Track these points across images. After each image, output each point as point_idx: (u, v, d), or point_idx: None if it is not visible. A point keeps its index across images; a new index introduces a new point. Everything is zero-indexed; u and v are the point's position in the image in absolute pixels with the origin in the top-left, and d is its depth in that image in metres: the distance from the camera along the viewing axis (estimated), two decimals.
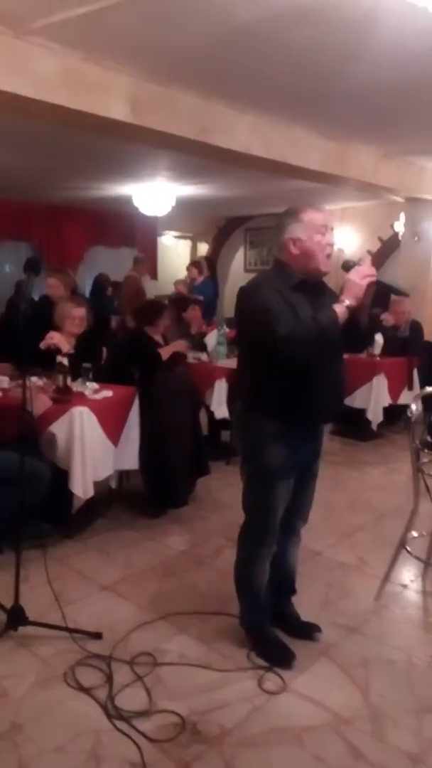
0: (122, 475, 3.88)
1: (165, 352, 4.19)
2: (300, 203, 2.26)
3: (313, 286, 2.21)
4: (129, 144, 4.29)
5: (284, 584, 2.56)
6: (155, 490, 3.80)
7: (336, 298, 2.14)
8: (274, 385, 2.17)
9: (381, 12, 2.57)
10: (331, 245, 2.20)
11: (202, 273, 8.53)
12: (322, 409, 2.27)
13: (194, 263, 9.01)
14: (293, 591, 2.62)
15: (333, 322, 2.03)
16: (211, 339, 5.25)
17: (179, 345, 4.37)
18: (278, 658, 2.38)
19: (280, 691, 2.24)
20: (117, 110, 3.29)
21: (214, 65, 3.26)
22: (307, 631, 2.56)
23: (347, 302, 2.06)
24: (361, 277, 2.08)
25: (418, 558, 2.98)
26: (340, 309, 2.05)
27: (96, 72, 3.18)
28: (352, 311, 2.08)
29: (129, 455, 3.60)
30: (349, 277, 2.09)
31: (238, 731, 2.04)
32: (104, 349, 4.39)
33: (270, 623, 2.49)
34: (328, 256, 2.19)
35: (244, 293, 2.20)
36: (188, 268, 8.83)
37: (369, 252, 9.23)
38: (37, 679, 2.25)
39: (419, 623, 2.79)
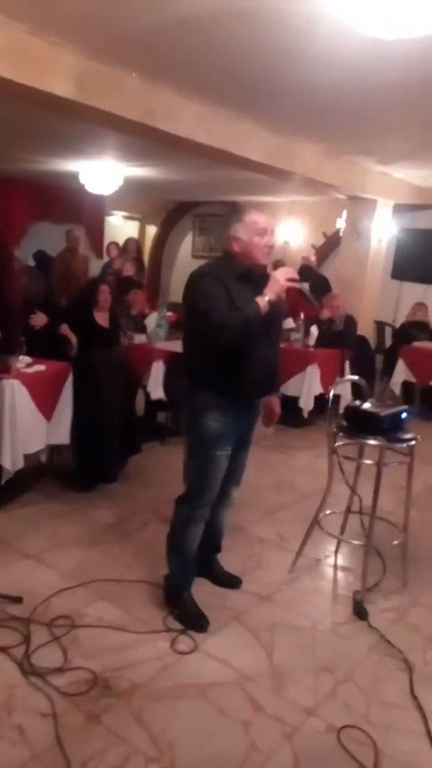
0: (53, 449, 3.92)
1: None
2: (249, 191, 2.48)
3: (257, 276, 2.41)
4: (76, 121, 4.29)
5: (213, 541, 2.82)
6: (85, 464, 3.87)
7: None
8: (212, 364, 2.40)
9: (318, 19, 2.70)
10: (270, 246, 2.42)
11: (120, 254, 8.49)
12: (252, 386, 2.51)
13: (114, 243, 8.88)
14: (219, 549, 2.91)
15: (255, 313, 2.26)
16: (151, 321, 5.33)
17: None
18: (193, 622, 2.54)
19: (191, 652, 2.39)
20: (62, 87, 3.29)
21: (160, 51, 3.30)
22: (231, 581, 2.87)
23: (268, 297, 2.30)
24: (284, 278, 2.33)
25: (330, 534, 3.19)
26: (262, 302, 2.29)
27: (42, 47, 3.17)
28: (274, 304, 2.33)
29: (61, 430, 3.66)
30: (274, 274, 2.34)
31: (147, 687, 2.18)
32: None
33: (190, 590, 2.66)
34: (267, 253, 2.42)
35: (191, 279, 2.42)
36: (109, 247, 8.72)
37: (313, 247, 9.50)
38: None
39: (328, 594, 2.99)
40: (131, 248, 8.70)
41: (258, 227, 2.38)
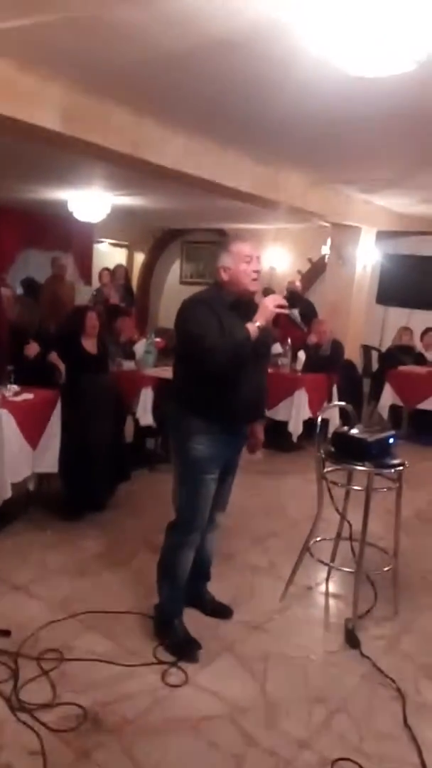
0: (42, 477, 3.89)
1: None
2: (236, 219, 2.52)
3: (246, 305, 2.47)
4: (63, 152, 4.35)
5: (201, 569, 2.79)
6: (74, 492, 3.84)
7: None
8: (201, 389, 2.44)
9: (299, 55, 2.78)
10: (257, 272, 2.47)
11: (113, 280, 8.54)
12: (240, 410, 2.54)
13: (106, 269, 8.92)
14: (208, 577, 2.87)
15: (245, 339, 2.32)
16: (140, 347, 5.34)
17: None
18: (184, 650, 2.51)
19: (182, 684, 2.35)
20: (49, 120, 3.35)
21: (146, 85, 3.38)
22: (222, 612, 2.83)
23: (258, 323, 2.36)
24: (274, 304, 2.39)
25: (321, 561, 3.17)
26: (252, 328, 2.34)
27: (29, 80, 3.24)
28: (263, 330, 2.38)
29: (49, 458, 3.64)
30: (264, 301, 2.40)
31: (138, 721, 2.14)
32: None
33: (181, 617, 2.63)
34: (254, 280, 2.47)
35: (183, 306, 2.47)
36: (101, 273, 8.77)
37: (299, 272, 9.62)
38: None
39: (319, 622, 2.97)
40: (119, 275, 8.76)
41: (244, 255, 2.43)
